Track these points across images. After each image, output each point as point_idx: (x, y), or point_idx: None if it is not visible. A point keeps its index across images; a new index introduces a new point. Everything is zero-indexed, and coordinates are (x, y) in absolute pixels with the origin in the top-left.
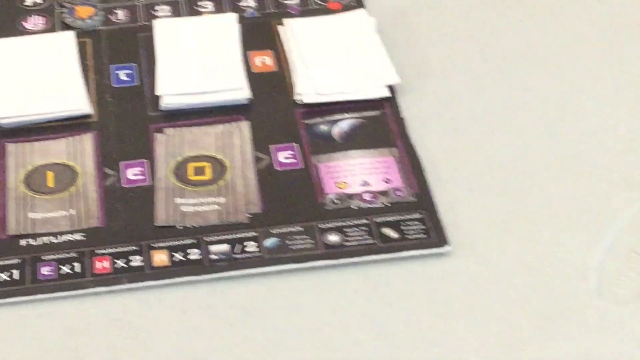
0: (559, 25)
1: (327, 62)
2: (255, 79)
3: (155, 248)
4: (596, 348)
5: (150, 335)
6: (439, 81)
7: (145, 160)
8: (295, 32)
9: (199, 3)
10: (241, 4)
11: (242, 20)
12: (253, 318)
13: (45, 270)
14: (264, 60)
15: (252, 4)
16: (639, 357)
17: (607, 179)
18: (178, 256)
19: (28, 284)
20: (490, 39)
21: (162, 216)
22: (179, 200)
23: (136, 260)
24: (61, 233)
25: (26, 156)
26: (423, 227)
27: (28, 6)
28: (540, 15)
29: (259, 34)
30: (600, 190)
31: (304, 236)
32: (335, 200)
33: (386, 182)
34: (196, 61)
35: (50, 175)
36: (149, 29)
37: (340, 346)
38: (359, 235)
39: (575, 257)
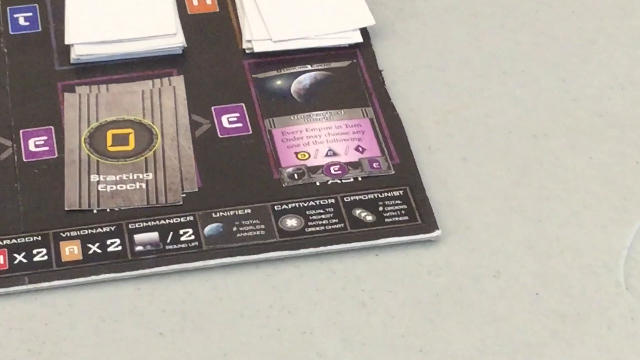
0: None
1: (284, 0)
2: (191, 22)
3: (64, 238)
4: (624, 354)
5: (59, 349)
6: (425, 22)
7: (51, 127)
8: None
9: None
10: None
11: None
12: (190, 325)
13: None
14: None
15: None
16: None
17: (639, 144)
18: (94, 248)
19: None
20: None
21: (73, 198)
22: (94, 178)
23: (40, 254)
24: None
25: None
26: (405, 207)
27: None
28: None
29: None
30: (630, 158)
31: (255, 221)
32: (295, 175)
33: (359, 151)
34: (116, 0)
35: None
36: None
37: (302, 357)
38: (325, 219)
39: (598, 242)
